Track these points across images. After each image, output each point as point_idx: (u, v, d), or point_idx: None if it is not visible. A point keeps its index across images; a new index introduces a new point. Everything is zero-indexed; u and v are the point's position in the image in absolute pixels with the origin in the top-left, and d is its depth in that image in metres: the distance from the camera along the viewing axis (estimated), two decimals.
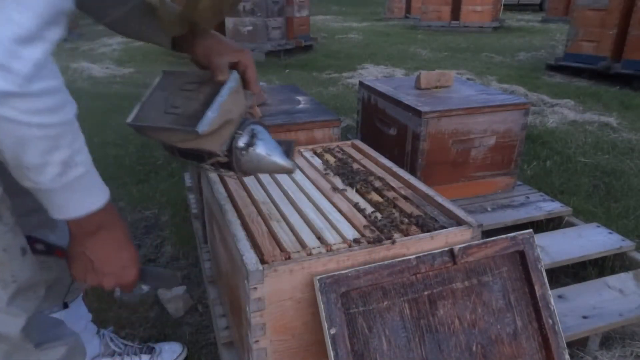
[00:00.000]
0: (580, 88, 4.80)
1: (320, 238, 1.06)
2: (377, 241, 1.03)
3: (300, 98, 2.04)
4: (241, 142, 0.99)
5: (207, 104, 0.92)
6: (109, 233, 0.88)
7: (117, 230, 0.90)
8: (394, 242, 1.03)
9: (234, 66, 0.99)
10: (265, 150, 1.00)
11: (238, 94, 0.98)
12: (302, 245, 1.03)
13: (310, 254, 0.98)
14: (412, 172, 1.96)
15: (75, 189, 0.79)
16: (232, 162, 0.99)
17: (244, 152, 0.99)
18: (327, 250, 1.00)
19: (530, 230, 1.09)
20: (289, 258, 0.97)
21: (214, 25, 0.99)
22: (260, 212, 1.17)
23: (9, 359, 0.88)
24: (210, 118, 0.90)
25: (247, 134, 1.00)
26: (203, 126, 0.89)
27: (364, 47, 7.44)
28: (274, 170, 1.03)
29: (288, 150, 1.04)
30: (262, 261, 0.96)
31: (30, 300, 0.88)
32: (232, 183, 1.31)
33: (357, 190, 1.30)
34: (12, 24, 0.62)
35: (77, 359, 1.04)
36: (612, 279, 1.63)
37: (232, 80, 0.96)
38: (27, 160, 0.70)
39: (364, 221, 1.13)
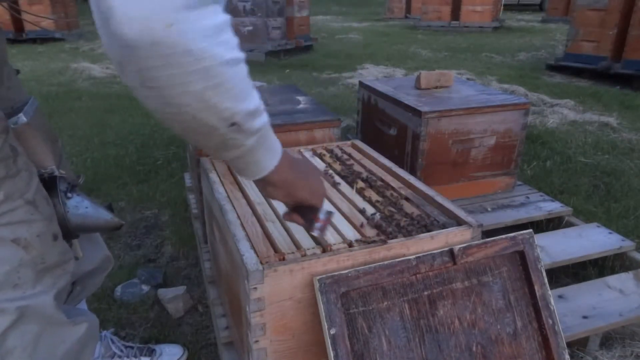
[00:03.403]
0: (580, 88, 4.80)
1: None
2: (377, 241, 1.03)
3: (300, 98, 2.04)
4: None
5: None
6: (298, 159, 0.89)
7: (298, 158, 0.91)
8: (393, 243, 1.03)
9: None
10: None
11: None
12: (297, 245, 1.03)
13: (304, 255, 0.98)
14: (412, 172, 1.96)
15: (270, 131, 0.74)
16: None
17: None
18: (324, 251, 1.00)
19: (530, 230, 1.09)
20: (284, 259, 0.97)
21: None
22: (255, 213, 1.17)
23: (38, 341, 0.90)
24: None
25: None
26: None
27: (364, 47, 7.44)
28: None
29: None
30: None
31: (60, 275, 0.94)
32: (228, 184, 1.31)
33: (357, 190, 1.30)
34: None
35: (95, 338, 1.07)
36: (612, 279, 1.63)
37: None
38: (247, 106, 0.64)
39: (364, 221, 1.13)
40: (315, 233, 0.94)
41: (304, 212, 0.91)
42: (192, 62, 0.55)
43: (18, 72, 1.10)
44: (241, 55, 0.62)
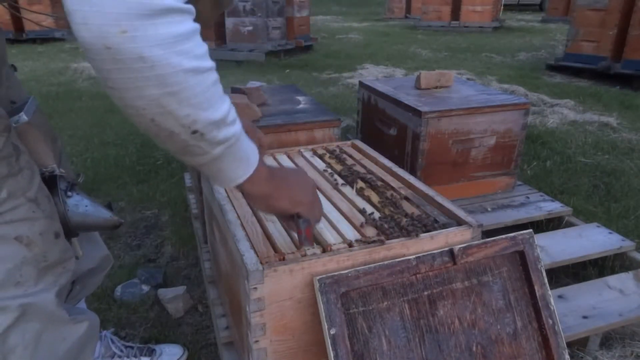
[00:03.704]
0: (580, 88, 4.80)
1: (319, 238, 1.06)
2: (377, 241, 1.03)
3: (300, 98, 2.04)
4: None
5: None
6: (280, 170, 0.90)
7: (281, 168, 0.92)
8: (393, 243, 1.03)
9: None
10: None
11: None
12: (297, 245, 1.03)
13: (304, 255, 0.98)
14: (412, 172, 1.96)
15: (244, 138, 0.74)
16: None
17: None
18: (324, 251, 1.00)
19: (530, 230, 1.09)
20: (284, 259, 0.97)
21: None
22: (255, 213, 1.17)
23: (40, 339, 0.91)
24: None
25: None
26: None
27: (364, 47, 7.44)
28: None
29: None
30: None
31: (61, 273, 0.94)
32: None
33: (357, 191, 1.30)
34: None
35: (95, 337, 1.07)
36: (612, 279, 1.63)
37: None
38: (210, 115, 0.64)
39: (363, 221, 1.13)
40: (304, 244, 0.97)
41: (295, 221, 0.93)
42: (145, 69, 0.56)
43: (15, 68, 1.10)
44: (207, 64, 0.62)
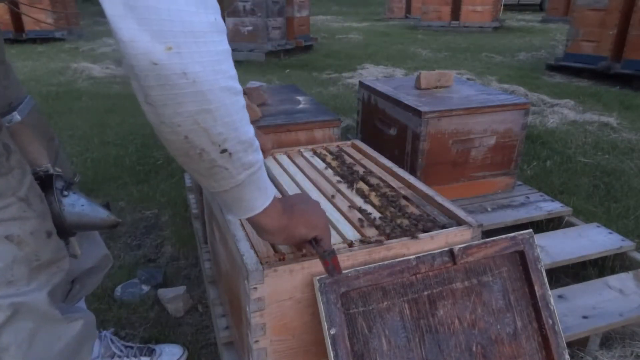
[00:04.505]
0: (580, 88, 4.80)
1: None
2: (377, 241, 1.03)
3: (300, 98, 2.04)
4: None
5: None
6: (288, 198, 0.91)
7: (288, 198, 0.93)
8: (393, 243, 1.03)
9: None
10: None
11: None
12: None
13: (304, 255, 0.98)
14: (412, 172, 1.96)
15: (264, 169, 0.76)
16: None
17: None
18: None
19: (530, 230, 1.09)
20: (284, 259, 0.97)
21: None
22: None
23: (34, 339, 0.90)
24: None
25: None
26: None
27: (364, 47, 7.44)
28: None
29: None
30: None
31: (54, 273, 0.94)
32: None
33: (357, 190, 1.30)
34: None
35: (92, 335, 1.06)
36: (612, 279, 1.63)
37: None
38: (240, 135, 0.66)
39: (364, 221, 1.13)
40: (333, 275, 0.93)
41: (313, 246, 0.91)
42: (186, 85, 0.58)
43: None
44: (238, 87, 0.64)
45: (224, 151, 0.66)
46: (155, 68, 0.56)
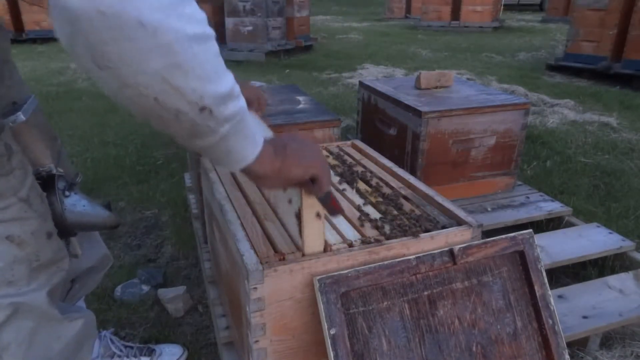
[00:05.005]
0: (580, 88, 4.80)
1: None
2: (377, 241, 1.03)
3: (300, 98, 2.04)
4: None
5: None
6: (280, 140, 0.81)
7: (279, 139, 0.83)
8: (393, 243, 1.03)
9: None
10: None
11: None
12: (297, 246, 1.03)
13: (304, 255, 0.98)
14: (412, 172, 1.96)
15: (249, 114, 0.68)
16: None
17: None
18: (324, 251, 1.00)
19: (530, 230, 1.09)
20: (284, 259, 0.97)
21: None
22: (255, 213, 1.17)
23: (34, 338, 0.91)
24: None
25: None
26: None
27: (364, 47, 7.44)
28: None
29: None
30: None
31: (54, 273, 0.94)
32: (227, 184, 1.31)
33: (357, 190, 1.30)
34: None
35: (92, 334, 1.07)
36: (612, 279, 1.63)
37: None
38: (218, 88, 0.58)
39: (364, 221, 1.13)
40: (334, 215, 0.92)
41: (309, 187, 0.86)
42: (146, 37, 0.49)
43: None
44: (209, 31, 0.56)
45: (203, 109, 0.58)
46: (104, 19, 0.46)
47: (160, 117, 0.57)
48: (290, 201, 1.00)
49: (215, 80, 0.57)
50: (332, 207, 0.91)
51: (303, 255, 0.98)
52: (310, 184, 0.84)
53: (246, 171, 0.74)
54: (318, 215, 0.94)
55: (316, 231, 0.97)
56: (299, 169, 0.79)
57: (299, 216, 0.96)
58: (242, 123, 0.66)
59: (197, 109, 0.57)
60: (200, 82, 0.55)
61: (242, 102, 0.64)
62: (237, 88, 0.63)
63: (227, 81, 0.60)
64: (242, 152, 0.69)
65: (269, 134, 0.94)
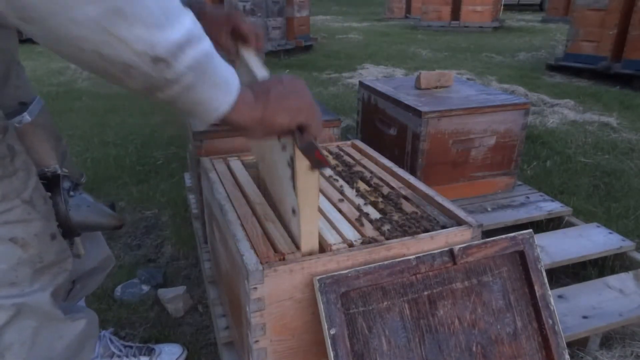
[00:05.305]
0: (580, 88, 4.80)
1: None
2: (377, 241, 1.03)
3: None
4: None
5: None
6: (261, 84, 0.72)
7: (261, 83, 0.73)
8: (393, 243, 1.03)
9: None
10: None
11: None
12: (297, 246, 1.03)
13: (305, 255, 0.98)
14: (412, 172, 1.96)
15: (217, 58, 0.59)
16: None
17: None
18: (324, 251, 1.00)
19: (530, 230, 1.09)
20: (284, 259, 0.97)
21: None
22: (255, 213, 1.17)
23: (37, 337, 0.91)
24: None
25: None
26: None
27: (364, 47, 7.43)
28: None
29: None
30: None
31: (58, 273, 0.94)
32: (227, 184, 1.31)
33: (357, 190, 1.30)
34: None
35: (94, 334, 1.07)
36: (612, 279, 1.63)
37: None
38: (171, 35, 0.49)
39: (363, 221, 1.13)
40: (320, 167, 0.83)
41: (298, 135, 0.77)
42: None
43: None
44: None
45: (156, 60, 0.50)
46: None
47: (109, 73, 0.50)
48: (284, 148, 0.91)
49: (166, 25, 0.49)
50: (316, 160, 0.81)
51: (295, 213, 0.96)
52: (298, 133, 0.76)
53: (224, 122, 0.66)
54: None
55: (310, 184, 0.89)
56: (284, 116, 0.71)
57: (291, 165, 0.87)
58: (209, 70, 0.58)
59: (149, 61, 0.50)
60: (147, 29, 0.47)
61: (204, 45, 0.56)
62: (198, 29, 0.54)
63: (183, 24, 0.52)
64: (212, 102, 0.61)
65: (263, 73, 0.85)
